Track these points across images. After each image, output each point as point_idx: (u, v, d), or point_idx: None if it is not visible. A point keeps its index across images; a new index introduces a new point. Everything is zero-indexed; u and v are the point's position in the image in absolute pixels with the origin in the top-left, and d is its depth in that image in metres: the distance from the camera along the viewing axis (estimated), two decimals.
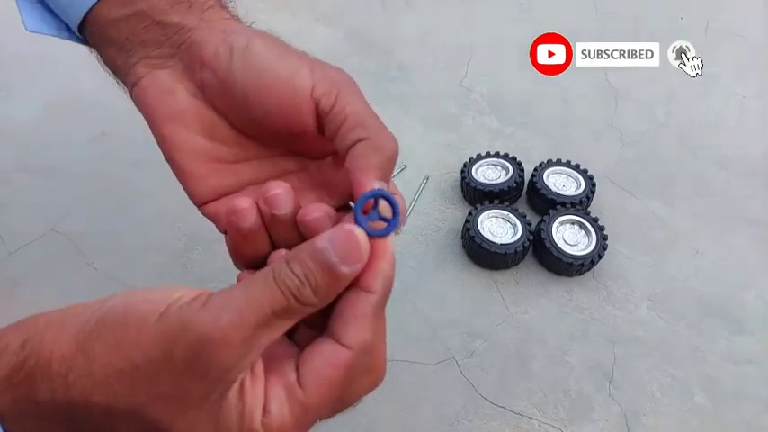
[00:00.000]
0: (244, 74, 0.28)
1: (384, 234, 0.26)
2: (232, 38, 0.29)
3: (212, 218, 0.31)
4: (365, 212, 0.27)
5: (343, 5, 1.02)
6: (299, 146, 0.31)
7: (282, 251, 0.28)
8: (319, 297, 0.24)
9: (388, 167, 0.27)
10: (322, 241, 0.24)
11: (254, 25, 0.32)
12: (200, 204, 0.31)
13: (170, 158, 0.31)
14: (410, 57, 0.93)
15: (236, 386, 0.23)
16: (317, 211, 0.27)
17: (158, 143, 0.31)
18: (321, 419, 0.25)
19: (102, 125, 0.81)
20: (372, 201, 0.27)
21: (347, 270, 0.24)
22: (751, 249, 0.67)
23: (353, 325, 0.25)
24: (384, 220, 0.27)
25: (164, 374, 0.21)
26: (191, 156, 0.31)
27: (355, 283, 0.25)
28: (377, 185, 0.26)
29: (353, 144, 0.27)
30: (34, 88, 0.87)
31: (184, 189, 0.31)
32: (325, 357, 0.24)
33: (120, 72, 0.32)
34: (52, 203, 0.71)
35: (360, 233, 0.24)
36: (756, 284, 0.64)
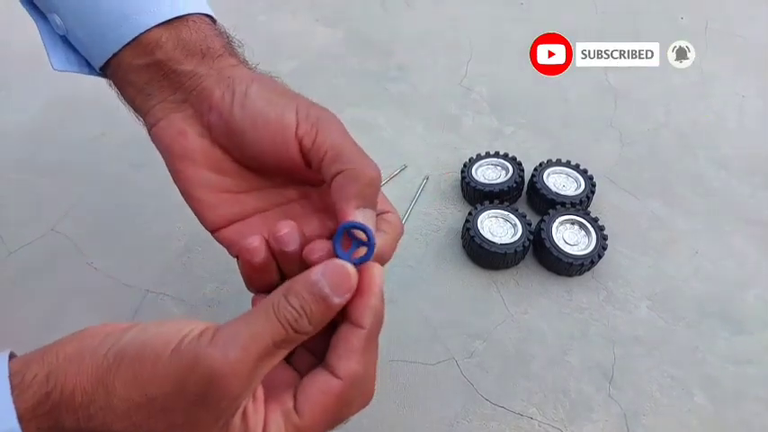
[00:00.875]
0: (242, 116, 0.32)
1: (364, 260, 0.29)
2: (235, 83, 0.33)
3: (224, 243, 0.35)
4: (350, 241, 0.30)
5: (343, 5, 1.02)
6: (297, 176, 0.35)
7: None
8: (313, 325, 0.27)
9: (368, 194, 0.30)
10: (315, 275, 0.27)
11: (258, 67, 0.36)
12: (213, 230, 0.35)
13: (183, 190, 0.35)
14: (410, 57, 0.93)
15: (240, 411, 0.25)
16: (320, 250, 0.30)
17: (173, 178, 0.35)
18: None
19: (102, 125, 0.81)
20: (353, 230, 0.30)
21: (339, 300, 0.27)
22: (751, 249, 0.67)
23: (345, 359, 0.28)
24: (365, 244, 0.30)
25: (178, 405, 0.24)
26: (201, 188, 0.34)
27: (347, 318, 0.29)
28: (359, 215, 0.29)
29: (334, 176, 0.30)
30: (34, 88, 0.87)
31: (197, 217, 0.35)
32: (320, 387, 0.28)
33: (139, 111, 0.36)
34: (52, 203, 0.71)
35: (350, 266, 0.28)
36: (756, 284, 0.64)
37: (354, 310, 0.28)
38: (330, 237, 0.32)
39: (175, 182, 0.35)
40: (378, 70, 0.90)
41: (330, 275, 0.27)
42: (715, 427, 0.53)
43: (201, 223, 0.35)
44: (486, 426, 0.53)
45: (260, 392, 0.27)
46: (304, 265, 0.31)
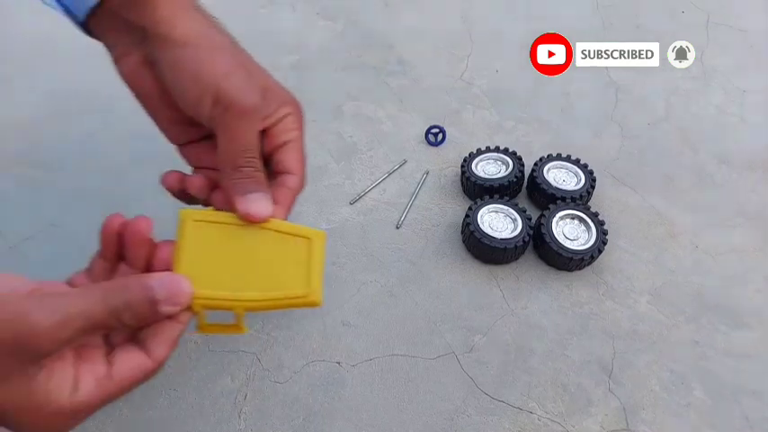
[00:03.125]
0: (172, 86, 0.37)
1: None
2: (167, 51, 0.36)
3: (182, 156, 0.43)
4: None
5: None
6: None
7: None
8: (135, 322, 0.30)
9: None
10: (153, 280, 0.31)
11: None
12: (177, 145, 0.42)
13: (148, 114, 0.41)
14: (410, 50, 0.92)
15: (46, 369, 0.28)
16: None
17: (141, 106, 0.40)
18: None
19: (101, 119, 0.81)
20: None
21: (167, 310, 0.31)
22: (751, 244, 0.67)
23: (164, 346, 0.32)
24: None
25: None
26: (158, 117, 0.40)
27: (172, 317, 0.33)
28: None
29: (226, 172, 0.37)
30: (34, 83, 0.87)
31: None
32: (134, 365, 0.31)
33: (108, 50, 0.40)
34: (52, 198, 0.71)
35: (186, 285, 0.32)
36: (756, 279, 0.64)
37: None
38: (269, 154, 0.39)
39: (141, 107, 0.40)
40: (378, 64, 0.89)
41: (165, 286, 0.31)
42: (714, 421, 0.54)
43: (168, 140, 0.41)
44: (485, 420, 0.54)
45: (69, 354, 0.30)
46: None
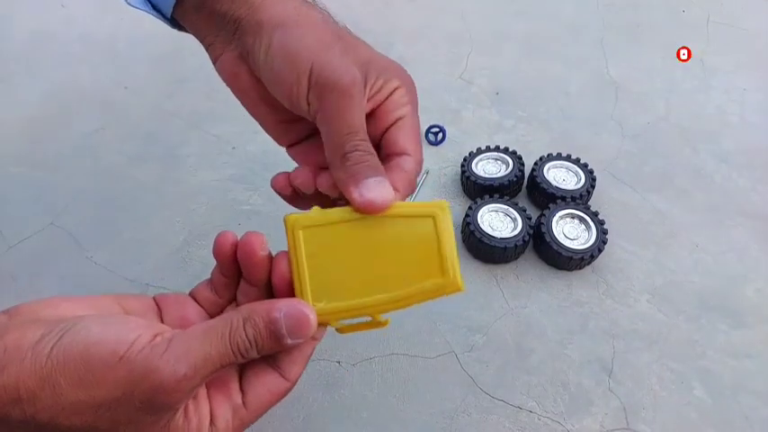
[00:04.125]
0: (266, 71, 0.33)
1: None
2: (262, 31, 0.33)
3: (292, 157, 0.39)
4: None
5: None
6: None
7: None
8: (260, 354, 0.29)
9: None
10: (277, 312, 0.28)
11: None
12: (285, 147, 0.38)
13: (254, 119, 0.37)
14: (410, 49, 0.92)
15: (181, 411, 0.27)
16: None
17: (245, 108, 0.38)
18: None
19: (101, 119, 0.81)
20: None
21: (292, 342, 0.29)
22: (751, 243, 0.67)
23: (298, 365, 0.31)
24: None
25: (122, 409, 0.26)
26: (259, 116, 0.37)
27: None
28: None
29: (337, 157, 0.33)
30: (34, 82, 0.87)
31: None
32: (270, 388, 0.30)
33: (204, 48, 0.37)
34: (52, 197, 0.71)
35: (311, 314, 0.29)
36: (756, 278, 0.64)
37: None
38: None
39: (245, 109, 0.37)
40: None
41: (290, 318, 0.28)
42: (714, 420, 0.54)
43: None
44: (485, 419, 0.54)
45: (202, 391, 0.29)
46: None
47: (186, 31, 0.38)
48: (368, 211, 0.30)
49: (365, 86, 0.33)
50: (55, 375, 0.25)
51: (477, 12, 1.00)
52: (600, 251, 0.62)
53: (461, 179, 0.71)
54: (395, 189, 0.32)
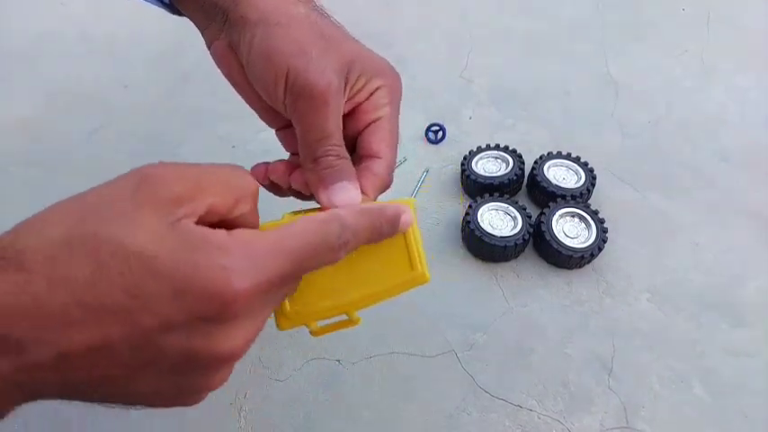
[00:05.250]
0: (247, 69, 0.34)
1: None
2: (245, 27, 0.33)
3: (279, 140, 0.40)
4: None
5: None
6: None
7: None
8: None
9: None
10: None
11: None
12: (275, 129, 0.39)
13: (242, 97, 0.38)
14: (410, 48, 0.92)
15: (191, 218, 0.24)
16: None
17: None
18: (275, 284, 0.25)
19: (101, 118, 0.81)
20: None
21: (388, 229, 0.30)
22: (751, 242, 0.67)
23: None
24: None
25: (113, 203, 0.23)
26: (250, 101, 0.37)
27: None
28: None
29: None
30: (34, 81, 0.87)
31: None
32: (300, 218, 0.27)
33: (203, 35, 0.38)
34: (51, 196, 0.71)
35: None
36: (756, 277, 0.64)
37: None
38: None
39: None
40: None
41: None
42: (713, 418, 0.54)
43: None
44: (485, 418, 0.54)
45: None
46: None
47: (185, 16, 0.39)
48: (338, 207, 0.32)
49: (346, 86, 0.33)
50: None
51: (477, 10, 1.00)
52: (600, 250, 0.62)
53: (461, 178, 0.71)
54: (364, 193, 0.33)
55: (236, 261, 0.22)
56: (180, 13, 0.39)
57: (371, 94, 0.35)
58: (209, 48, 0.37)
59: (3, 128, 0.80)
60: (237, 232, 0.24)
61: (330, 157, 0.32)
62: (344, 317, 0.32)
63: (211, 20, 0.35)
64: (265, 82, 0.33)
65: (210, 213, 0.25)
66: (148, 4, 0.39)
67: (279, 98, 0.32)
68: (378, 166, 0.35)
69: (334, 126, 0.32)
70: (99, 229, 0.22)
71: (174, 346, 0.22)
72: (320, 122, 0.32)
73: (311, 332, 0.32)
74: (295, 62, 0.31)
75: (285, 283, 0.25)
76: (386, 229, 0.31)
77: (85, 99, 0.83)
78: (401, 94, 0.37)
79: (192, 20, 0.38)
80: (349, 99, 0.34)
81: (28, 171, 0.74)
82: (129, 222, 0.22)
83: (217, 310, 0.22)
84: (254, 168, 0.37)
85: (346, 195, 0.32)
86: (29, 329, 0.20)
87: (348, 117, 0.35)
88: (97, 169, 0.74)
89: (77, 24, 0.95)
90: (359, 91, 0.34)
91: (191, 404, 0.26)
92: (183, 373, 0.24)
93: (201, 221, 0.24)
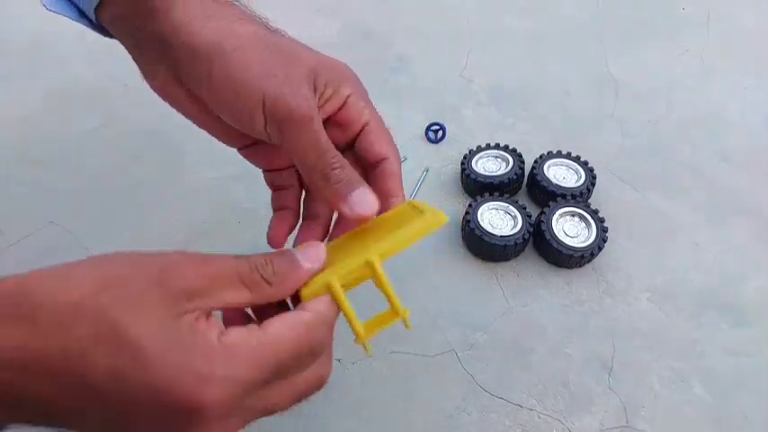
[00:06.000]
0: (211, 102, 0.33)
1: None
2: (196, 64, 0.31)
3: (247, 159, 0.39)
4: None
5: None
6: None
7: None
8: (278, 278, 0.28)
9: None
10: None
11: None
12: (237, 149, 0.38)
13: (198, 126, 0.37)
14: (410, 47, 0.92)
15: (195, 314, 0.25)
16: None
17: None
18: (267, 381, 0.26)
19: (101, 117, 0.81)
20: None
21: (308, 265, 0.29)
22: (751, 242, 0.67)
23: (315, 301, 0.29)
24: None
25: (131, 282, 0.24)
26: (208, 128, 0.36)
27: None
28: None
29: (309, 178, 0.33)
30: (34, 79, 0.87)
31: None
32: (288, 316, 0.27)
33: (133, 59, 0.35)
34: (51, 195, 0.71)
35: (323, 248, 0.30)
36: (756, 276, 0.64)
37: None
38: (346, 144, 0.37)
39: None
40: (377, 61, 0.89)
41: (303, 251, 0.30)
42: (714, 418, 0.54)
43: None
44: (485, 417, 0.54)
45: (216, 316, 0.27)
46: None
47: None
48: (360, 222, 0.33)
49: (316, 95, 0.33)
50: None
51: (477, 9, 1.00)
52: (600, 249, 0.62)
53: (461, 177, 0.71)
54: (394, 196, 0.35)
55: (215, 369, 0.23)
56: (112, 36, 0.36)
57: (344, 102, 0.34)
58: (145, 77, 0.34)
59: (3, 127, 0.80)
60: (229, 335, 0.25)
61: (336, 170, 0.32)
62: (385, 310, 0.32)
63: (143, 49, 0.33)
64: (238, 112, 0.32)
65: (230, 306, 0.27)
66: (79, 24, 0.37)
67: (258, 127, 0.32)
68: (391, 166, 0.36)
69: (325, 139, 0.32)
70: (108, 307, 0.23)
71: None
72: (313, 142, 0.32)
73: (362, 344, 0.32)
74: (270, 88, 0.31)
75: (263, 385, 0.26)
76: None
77: (85, 99, 0.83)
78: (365, 89, 0.36)
79: (123, 45, 0.35)
80: (320, 107, 0.33)
81: (28, 170, 0.74)
82: (137, 308, 0.23)
83: (186, 415, 0.23)
84: (273, 237, 0.37)
85: (366, 201, 0.32)
86: (23, 381, 0.22)
87: (332, 128, 0.35)
88: (97, 169, 0.74)
89: (77, 24, 0.95)
90: (329, 99, 0.34)
91: None
92: None
93: (225, 310, 0.28)
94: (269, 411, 0.28)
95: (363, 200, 0.32)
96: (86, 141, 0.78)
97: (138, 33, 0.33)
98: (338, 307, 0.30)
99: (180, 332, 0.24)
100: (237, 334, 0.25)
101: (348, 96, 0.34)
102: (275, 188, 0.39)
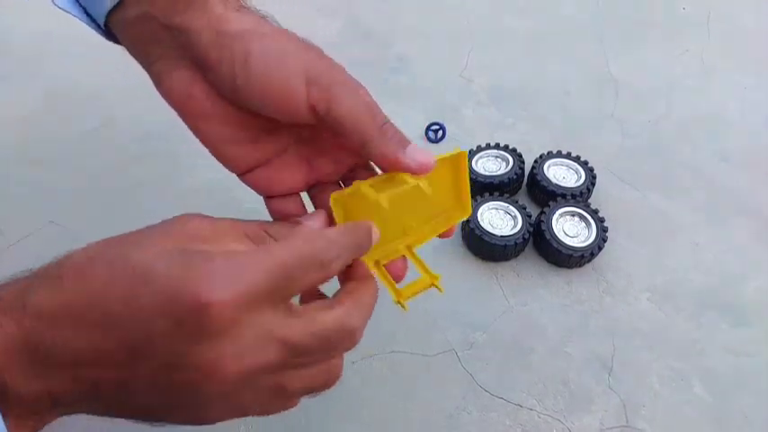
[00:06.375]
0: (245, 81, 0.31)
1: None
2: (233, 42, 0.31)
3: (250, 186, 0.36)
4: None
5: None
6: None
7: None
8: (282, 235, 0.30)
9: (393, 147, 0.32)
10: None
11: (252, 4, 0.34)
12: (239, 175, 0.36)
13: (202, 142, 0.35)
14: (410, 47, 0.92)
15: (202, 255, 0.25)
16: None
17: (190, 130, 0.35)
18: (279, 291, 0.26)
19: (101, 117, 0.81)
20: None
21: (309, 222, 0.33)
22: (751, 242, 0.67)
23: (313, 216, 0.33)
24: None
25: (140, 233, 0.27)
26: (218, 141, 0.34)
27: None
28: (408, 156, 0.32)
29: (359, 148, 0.32)
30: (34, 79, 0.87)
31: (222, 164, 0.36)
32: (301, 232, 0.31)
33: (144, 66, 0.34)
34: (51, 195, 0.71)
35: (324, 213, 0.34)
36: (756, 276, 0.64)
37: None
38: (343, 172, 0.37)
39: (193, 134, 0.35)
40: (377, 61, 0.89)
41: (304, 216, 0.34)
42: (714, 418, 0.54)
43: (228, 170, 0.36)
44: (485, 416, 0.54)
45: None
46: None
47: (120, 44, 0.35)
48: (422, 171, 0.32)
49: None
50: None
51: (477, 9, 1.00)
52: (600, 249, 0.62)
53: None
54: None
55: (218, 267, 0.24)
56: (116, 39, 0.35)
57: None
58: (159, 84, 0.33)
59: (3, 127, 0.80)
60: (229, 250, 0.26)
61: (390, 125, 0.32)
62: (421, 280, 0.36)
63: (167, 47, 0.32)
64: (279, 87, 0.31)
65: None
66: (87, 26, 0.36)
67: (300, 99, 0.31)
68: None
69: (373, 100, 0.32)
70: (123, 248, 0.26)
71: (161, 352, 0.24)
72: (365, 101, 0.32)
73: (400, 303, 0.35)
74: (306, 58, 0.31)
75: (272, 298, 0.25)
76: (365, 243, 0.32)
77: (85, 99, 0.83)
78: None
79: (134, 49, 0.34)
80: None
81: (28, 170, 0.74)
82: (147, 243, 0.26)
83: (198, 317, 0.23)
84: None
85: (422, 153, 0.32)
86: (55, 333, 0.24)
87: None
88: (97, 169, 0.74)
89: (77, 24, 0.95)
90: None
91: (200, 422, 0.27)
92: (175, 385, 0.25)
93: None
94: (280, 393, 0.28)
95: (422, 152, 0.32)
96: (86, 141, 0.78)
97: (162, 30, 0.32)
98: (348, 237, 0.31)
99: (188, 254, 0.25)
100: (240, 246, 0.27)
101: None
102: (281, 218, 0.37)
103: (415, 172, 0.32)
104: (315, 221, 0.33)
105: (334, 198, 0.33)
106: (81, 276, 0.25)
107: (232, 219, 0.29)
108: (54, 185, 0.72)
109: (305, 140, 0.36)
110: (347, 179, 0.37)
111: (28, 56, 0.90)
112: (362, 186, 0.33)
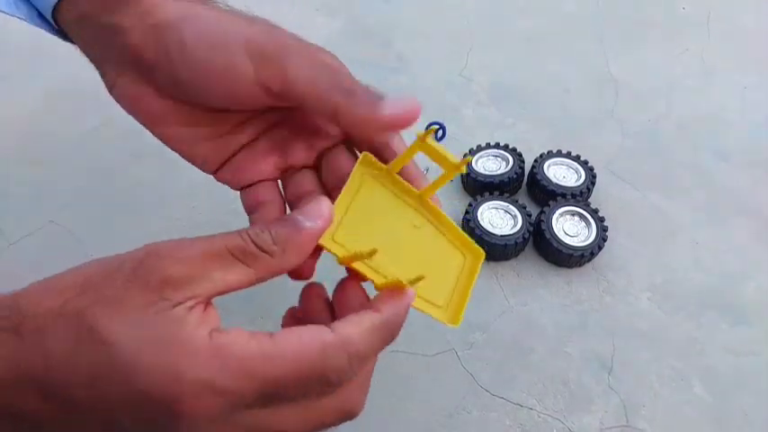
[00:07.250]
0: (188, 74, 0.28)
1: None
2: (165, 33, 0.28)
3: (223, 182, 0.35)
4: None
5: None
6: (270, 108, 0.31)
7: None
8: (279, 245, 0.25)
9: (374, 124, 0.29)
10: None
11: None
12: (211, 173, 0.34)
13: (165, 144, 0.33)
14: (409, 46, 0.92)
15: (186, 304, 0.23)
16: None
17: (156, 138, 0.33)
18: (271, 395, 0.23)
19: (101, 116, 0.81)
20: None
21: (309, 224, 0.26)
22: (751, 241, 0.67)
23: (348, 322, 0.25)
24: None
25: (110, 281, 0.23)
26: (180, 142, 0.32)
27: (369, 305, 0.27)
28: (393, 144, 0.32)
29: (330, 115, 0.28)
30: (34, 79, 0.87)
31: (190, 163, 0.33)
32: (305, 330, 0.24)
33: (97, 69, 0.32)
34: (51, 194, 0.71)
35: (326, 203, 0.27)
36: (756, 276, 0.64)
37: (379, 301, 0.27)
38: (318, 158, 0.33)
39: (158, 138, 0.33)
40: (377, 60, 0.89)
41: (301, 209, 0.27)
42: (714, 418, 0.54)
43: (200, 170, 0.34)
44: (485, 416, 0.54)
45: (215, 309, 0.24)
46: None
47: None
48: (405, 122, 0.29)
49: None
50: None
51: (477, 8, 1.00)
52: (600, 248, 0.62)
53: (461, 176, 0.71)
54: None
55: (196, 370, 0.21)
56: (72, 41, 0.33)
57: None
58: (111, 89, 0.31)
59: (3, 127, 0.80)
60: (225, 335, 0.22)
61: (356, 85, 0.29)
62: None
63: (110, 49, 0.29)
64: (222, 70, 0.27)
65: (231, 287, 0.25)
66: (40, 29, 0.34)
67: (247, 76, 0.27)
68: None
69: (333, 58, 0.29)
70: (86, 308, 0.22)
71: None
72: (322, 60, 0.28)
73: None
74: (247, 32, 0.28)
75: (257, 404, 0.23)
76: (396, 335, 0.28)
77: (85, 99, 0.83)
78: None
79: (86, 54, 0.32)
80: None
81: (28, 170, 0.74)
82: (115, 304, 0.22)
83: (170, 422, 0.21)
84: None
85: (400, 102, 0.29)
86: (12, 397, 0.22)
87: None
88: (97, 169, 0.74)
89: None
90: None
91: None
92: None
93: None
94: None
95: (397, 101, 0.29)
96: (86, 141, 0.78)
97: (102, 32, 0.29)
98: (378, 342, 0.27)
99: (159, 329, 0.22)
100: (237, 335, 0.22)
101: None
102: (256, 207, 0.35)
103: (398, 125, 0.29)
104: (315, 221, 0.27)
105: (363, 161, 0.31)
106: (42, 336, 0.22)
107: (210, 236, 0.26)
108: (54, 185, 0.72)
109: (277, 125, 0.33)
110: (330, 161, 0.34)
111: (28, 56, 0.90)
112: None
